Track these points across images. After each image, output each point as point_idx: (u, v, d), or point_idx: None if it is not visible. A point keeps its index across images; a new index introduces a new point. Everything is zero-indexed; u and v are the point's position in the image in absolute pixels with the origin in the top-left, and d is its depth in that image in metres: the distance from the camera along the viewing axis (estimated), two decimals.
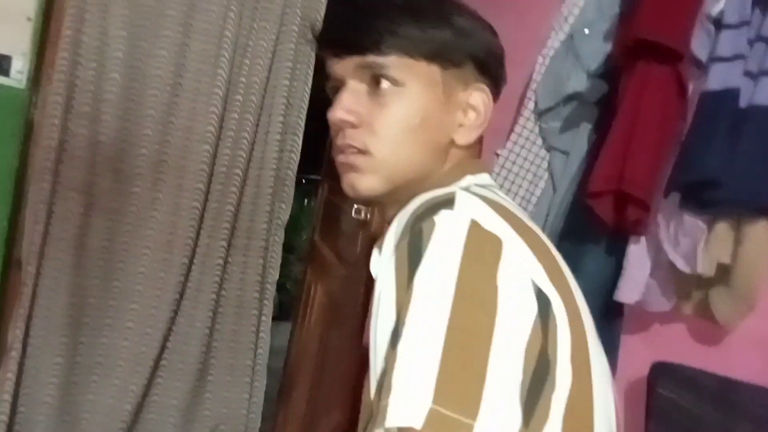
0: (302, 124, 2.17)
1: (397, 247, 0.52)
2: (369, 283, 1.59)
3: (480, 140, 0.73)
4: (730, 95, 1.15)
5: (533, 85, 1.58)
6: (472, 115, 0.68)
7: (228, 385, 2.19)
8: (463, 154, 0.70)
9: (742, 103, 1.14)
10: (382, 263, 0.55)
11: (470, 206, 0.53)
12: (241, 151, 2.04)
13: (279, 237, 2.25)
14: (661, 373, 1.33)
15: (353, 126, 0.66)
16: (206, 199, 2.03)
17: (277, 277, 2.26)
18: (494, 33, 0.71)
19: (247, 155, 2.06)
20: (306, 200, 4.09)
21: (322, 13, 2.09)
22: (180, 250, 1.99)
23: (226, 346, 2.18)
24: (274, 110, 2.07)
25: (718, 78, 1.17)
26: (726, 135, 1.13)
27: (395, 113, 0.64)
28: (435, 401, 0.41)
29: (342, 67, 0.68)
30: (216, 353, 2.17)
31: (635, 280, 1.33)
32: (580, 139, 1.47)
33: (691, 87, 1.24)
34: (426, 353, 0.44)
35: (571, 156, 1.48)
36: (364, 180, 0.66)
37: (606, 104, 1.39)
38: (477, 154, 0.73)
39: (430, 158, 0.67)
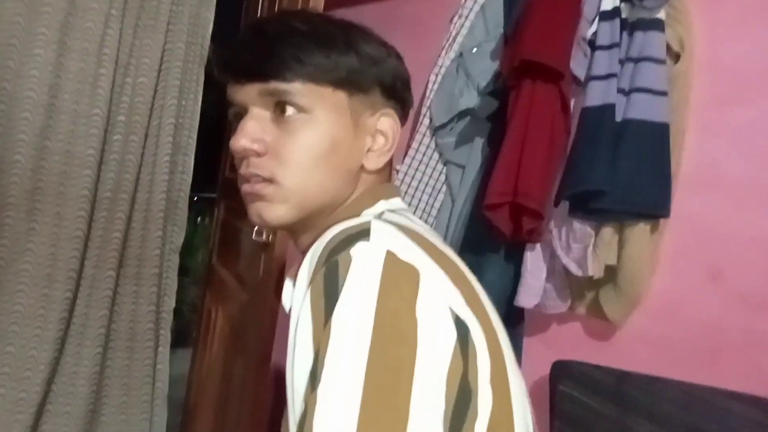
0: (193, 143, 2.08)
1: (312, 281, 0.50)
2: (273, 308, 1.55)
3: (389, 163, 0.73)
4: (607, 110, 1.25)
5: (427, 102, 1.62)
6: (380, 140, 0.68)
7: (123, 424, 2.04)
8: (374, 179, 0.70)
9: (618, 117, 1.24)
10: (297, 297, 0.53)
11: (385, 237, 0.52)
12: (127, 174, 1.92)
13: (173, 262, 2.14)
14: (561, 371, 1.41)
15: (258, 155, 0.63)
16: (90, 227, 1.89)
17: (173, 305, 2.15)
18: (400, 58, 0.72)
19: (135, 178, 1.94)
20: (199, 218, 3.93)
21: (210, 29, 2.02)
22: (62, 283, 1.83)
23: (119, 383, 2.03)
24: (162, 131, 1.97)
25: (595, 95, 1.27)
26: (606, 147, 1.22)
27: (304, 141, 0.62)
28: None
29: (244, 93, 0.65)
30: (108, 392, 2.02)
31: (533, 286, 1.40)
32: (474, 153, 1.53)
33: (572, 103, 1.33)
34: (346, 394, 0.43)
35: (467, 169, 1.54)
36: (272, 209, 0.64)
37: (497, 119, 1.46)
38: (387, 177, 0.73)
39: (341, 185, 0.66)
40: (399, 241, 0.53)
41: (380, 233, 0.53)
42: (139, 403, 2.06)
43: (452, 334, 0.48)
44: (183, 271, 2.21)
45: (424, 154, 1.62)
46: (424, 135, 1.63)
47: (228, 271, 1.98)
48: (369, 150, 0.67)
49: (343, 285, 0.48)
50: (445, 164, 1.61)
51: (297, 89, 0.62)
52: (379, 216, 0.60)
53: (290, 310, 0.62)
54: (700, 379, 1.20)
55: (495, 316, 0.59)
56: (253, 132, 0.63)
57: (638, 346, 1.34)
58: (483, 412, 0.49)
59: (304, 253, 0.67)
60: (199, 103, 2.06)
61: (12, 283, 1.78)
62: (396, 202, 0.69)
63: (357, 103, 0.65)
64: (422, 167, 1.62)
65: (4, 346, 1.79)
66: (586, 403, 1.34)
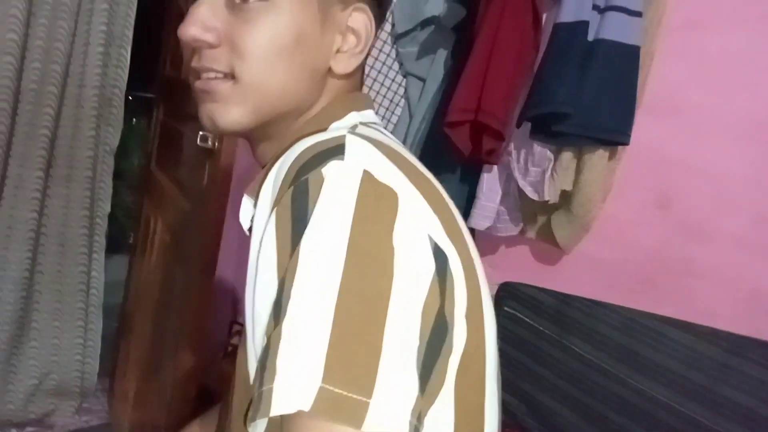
0: (130, 33, 1.90)
1: (279, 202, 0.44)
2: (218, 218, 1.48)
3: (361, 70, 0.66)
4: (579, 28, 1.19)
5: (391, 6, 1.51)
6: (351, 39, 0.59)
7: (56, 331, 1.98)
8: (343, 86, 0.62)
9: (590, 36, 1.19)
10: (259, 218, 0.48)
11: (362, 155, 0.46)
12: (54, 65, 1.74)
13: (108, 165, 2.01)
14: (507, 292, 1.43)
15: (211, 46, 0.55)
16: (13, 122, 1.73)
17: (108, 209, 2.04)
18: None
19: (63, 70, 1.77)
20: (134, 120, 3.70)
21: None
22: None
23: (50, 289, 1.95)
24: (94, 17, 1.78)
25: (569, 10, 1.20)
26: (575, 68, 1.17)
27: (264, 30, 0.54)
28: (325, 380, 0.37)
29: None
30: (39, 298, 1.94)
31: (486, 208, 1.39)
32: (436, 66, 1.45)
33: (544, 18, 1.27)
34: (314, 326, 0.38)
35: (428, 82, 1.47)
36: (227, 112, 0.56)
37: (463, 30, 1.38)
38: (358, 85, 0.66)
39: (305, 87, 0.58)
40: (376, 160, 0.47)
41: (356, 150, 0.47)
42: (73, 310, 2.00)
43: (431, 264, 0.44)
44: (117, 174, 2.08)
45: (384, 63, 1.53)
46: (384, 42, 1.53)
47: (167, 177, 1.87)
48: (338, 50, 0.59)
49: (313, 208, 0.42)
50: (405, 76, 1.53)
51: None
52: (353, 129, 0.54)
53: (249, 229, 0.56)
54: (639, 304, 1.24)
55: (472, 243, 0.54)
56: (205, 19, 0.55)
57: (583, 271, 1.37)
58: (457, 347, 0.46)
59: (263, 166, 0.60)
60: None
61: None
62: (369, 114, 0.62)
63: None
64: (381, 77, 1.54)
65: None
66: (528, 323, 1.38)
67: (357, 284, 0.40)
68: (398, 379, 0.39)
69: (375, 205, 0.43)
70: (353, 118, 0.59)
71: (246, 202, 0.57)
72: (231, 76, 0.55)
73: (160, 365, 1.65)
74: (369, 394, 0.37)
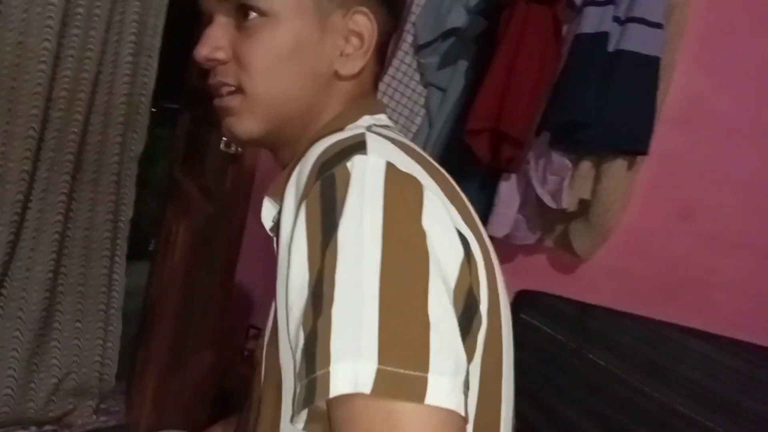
0: (158, 44, 1.95)
1: (307, 197, 0.46)
2: (242, 221, 1.51)
3: (372, 73, 0.67)
4: (600, 39, 1.20)
5: (412, 18, 1.54)
6: (354, 41, 0.62)
7: (77, 332, 2.02)
8: (353, 88, 0.64)
9: (611, 47, 1.20)
10: (286, 215, 0.50)
11: (382, 149, 0.49)
12: (85, 73, 1.79)
13: (132, 170, 2.05)
14: (524, 300, 1.43)
15: (221, 63, 0.61)
16: (44, 128, 1.78)
17: (131, 214, 2.08)
18: None
19: (93, 78, 1.82)
20: (160, 129, 3.78)
21: None
22: (13, 185, 1.74)
23: (73, 291, 1.99)
24: (124, 28, 1.83)
25: (590, 21, 1.22)
26: (597, 78, 1.19)
27: (263, 43, 0.59)
28: (381, 361, 0.38)
29: (206, 1, 0.62)
30: (62, 299, 1.97)
31: (505, 215, 1.39)
32: (457, 76, 1.47)
33: (565, 29, 1.28)
34: (362, 310, 0.40)
35: (449, 92, 1.49)
36: (241, 124, 0.61)
37: (485, 41, 1.40)
38: (370, 89, 0.68)
39: (311, 92, 0.61)
40: (396, 154, 0.49)
41: (376, 146, 0.49)
42: (94, 312, 2.03)
43: (459, 246, 0.47)
44: (142, 182, 2.12)
45: (405, 74, 1.55)
46: (406, 53, 1.55)
47: (192, 183, 1.91)
48: (341, 53, 0.62)
49: (343, 199, 0.44)
50: (425, 86, 1.55)
51: None
52: (369, 129, 0.56)
53: (271, 229, 0.60)
54: (660, 314, 1.23)
55: (485, 233, 0.57)
56: (215, 40, 0.61)
57: (602, 280, 1.37)
58: (484, 326, 0.49)
59: (284, 167, 0.63)
60: (166, 1, 1.91)
61: None
62: (382, 119, 0.65)
63: (323, 2, 0.60)
64: (402, 87, 1.56)
65: None
66: (547, 332, 1.37)
67: (396, 267, 0.42)
68: (449, 353, 0.41)
69: (402, 193, 0.45)
70: (366, 120, 0.62)
71: (267, 203, 0.59)
72: (240, 89, 0.60)
73: (179, 368, 1.68)
74: (426, 370, 0.39)
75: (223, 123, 0.63)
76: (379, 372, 0.38)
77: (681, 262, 1.27)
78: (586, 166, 1.29)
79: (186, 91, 2.11)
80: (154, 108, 2.09)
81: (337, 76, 0.62)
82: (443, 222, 0.47)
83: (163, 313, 1.99)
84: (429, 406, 0.38)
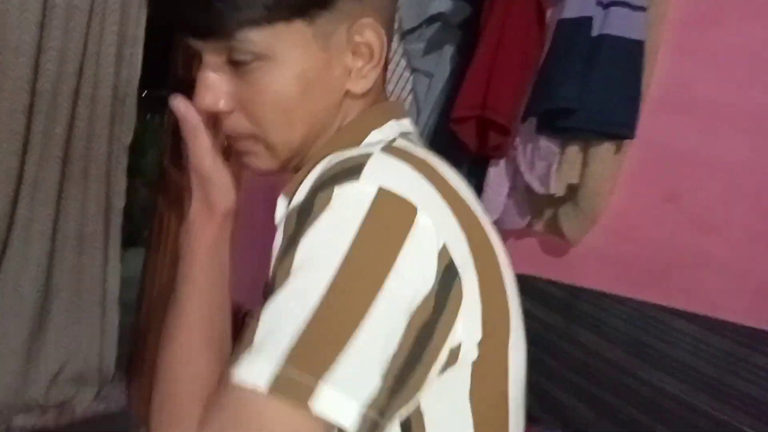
0: (142, 33, 1.93)
1: (292, 209, 0.48)
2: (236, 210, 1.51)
3: (383, 80, 0.64)
4: (583, 23, 1.19)
5: (396, 4, 1.52)
6: (364, 51, 0.57)
7: (75, 322, 2.03)
8: (368, 100, 0.61)
9: (594, 32, 1.19)
10: (281, 218, 0.51)
11: (382, 172, 0.47)
12: (68, 65, 1.77)
13: (122, 161, 2.04)
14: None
15: (227, 113, 0.56)
16: (30, 122, 1.77)
17: (122, 204, 2.08)
18: None
19: (77, 70, 1.80)
20: (149, 116, 3.75)
21: None
22: (2, 181, 1.73)
23: (68, 284, 1.99)
24: (107, 19, 1.80)
25: (573, 6, 1.21)
26: (579, 63, 1.18)
27: (270, 92, 0.54)
28: (285, 362, 0.40)
29: (192, 42, 0.56)
30: (58, 291, 1.98)
31: (494, 201, 1.40)
32: (443, 62, 1.46)
33: (548, 14, 1.27)
34: (292, 315, 0.41)
35: (435, 78, 1.48)
36: (262, 162, 0.59)
37: (469, 26, 1.39)
38: (381, 92, 0.64)
39: (326, 119, 0.58)
40: (401, 176, 0.48)
41: (376, 170, 0.47)
42: (91, 302, 2.04)
43: (430, 278, 0.45)
44: (133, 171, 2.12)
45: (390, 60, 1.54)
46: (391, 40, 1.54)
47: (181, 172, 1.90)
48: (351, 71, 0.58)
49: (313, 222, 0.45)
50: (411, 72, 1.55)
51: (244, 38, 0.52)
52: (391, 143, 0.53)
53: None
54: (647, 296, 1.25)
55: (506, 263, 0.55)
56: (214, 88, 0.55)
57: (591, 264, 1.38)
58: (464, 360, 0.48)
59: (294, 171, 0.60)
60: None
61: None
62: (406, 124, 0.61)
63: (322, 25, 0.55)
64: (387, 74, 1.55)
65: None
66: (536, 315, 1.39)
67: (342, 291, 0.42)
68: (358, 373, 0.41)
69: (382, 221, 0.45)
70: (392, 127, 0.59)
71: (280, 201, 0.57)
72: (254, 137, 0.57)
73: None
74: (320, 379, 0.39)
75: (242, 158, 0.60)
76: (278, 371, 0.39)
77: (668, 245, 1.28)
78: (573, 151, 1.29)
79: (172, 80, 2.09)
80: (142, 96, 2.07)
81: (349, 94, 0.59)
82: (425, 251, 0.45)
83: (159, 299, 2.00)
84: (308, 412, 0.39)
